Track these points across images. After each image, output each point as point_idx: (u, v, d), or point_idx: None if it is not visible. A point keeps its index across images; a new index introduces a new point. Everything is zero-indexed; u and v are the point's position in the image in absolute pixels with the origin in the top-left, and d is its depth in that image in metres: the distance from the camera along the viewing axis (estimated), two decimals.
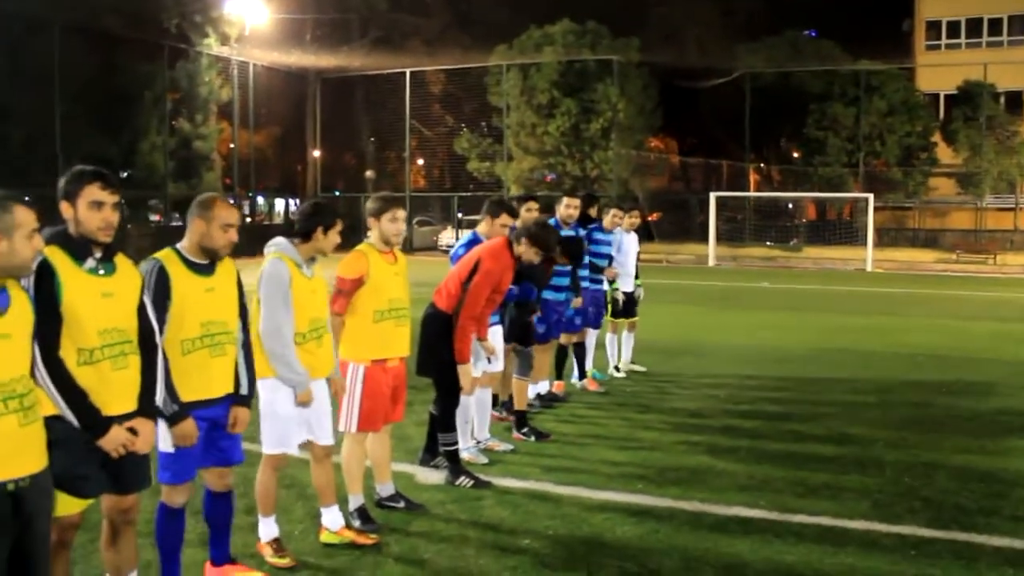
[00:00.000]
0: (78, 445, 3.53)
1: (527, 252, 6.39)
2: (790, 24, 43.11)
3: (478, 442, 6.93)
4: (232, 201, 4.49)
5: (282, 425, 4.81)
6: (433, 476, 6.30)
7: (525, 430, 7.45)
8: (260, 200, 42.53)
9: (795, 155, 42.21)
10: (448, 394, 6.18)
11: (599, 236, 9.41)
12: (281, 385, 4.75)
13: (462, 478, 6.13)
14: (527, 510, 5.66)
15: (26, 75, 27.70)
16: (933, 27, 45.31)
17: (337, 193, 43.55)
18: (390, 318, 5.35)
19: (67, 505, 3.56)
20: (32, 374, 3.23)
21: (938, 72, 41.28)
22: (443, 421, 6.22)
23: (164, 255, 4.17)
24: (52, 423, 3.37)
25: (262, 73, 38.68)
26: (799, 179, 40.17)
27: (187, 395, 4.07)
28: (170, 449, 4.11)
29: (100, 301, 3.60)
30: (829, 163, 39.30)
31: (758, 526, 5.42)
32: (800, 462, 6.79)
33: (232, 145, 38.90)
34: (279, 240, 4.89)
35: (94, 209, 3.62)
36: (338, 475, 5.27)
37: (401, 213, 5.44)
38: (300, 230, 4.88)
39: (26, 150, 27.84)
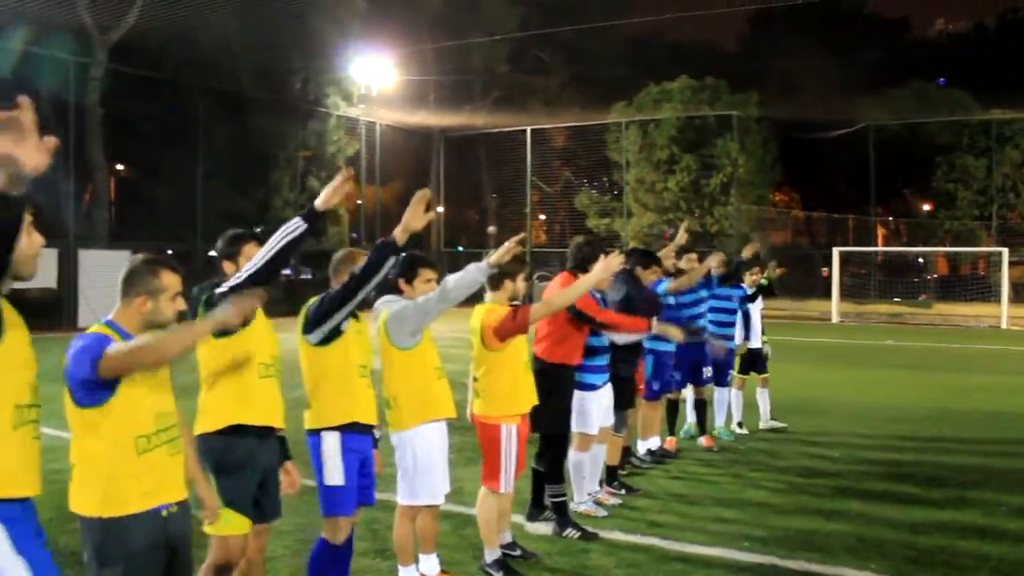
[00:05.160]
0: (246, 471, 3.99)
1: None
2: (915, 74, 42.06)
3: (589, 494, 7.07)
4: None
5: (440, 476, 5.01)
6: (541, 527, 6.45)
7: (615, 484, 7.57)
8: None
9: (923, 208, 40.91)
10: (558, 447, 6.36)
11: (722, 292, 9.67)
12: (435, 436, 4.96)
13: (569, 529, 6.27)
14: (632, 563, 5.76)
15: (173, 138, 29.60)
16: None
17: (460, 248, 44.43)
18: (525, 372, 5.61)
19: (238, 525, 3.97)
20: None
21: None
22: (551, 473, 6.39)
23: None
24: (227, 444, 3.91)
25: (388, 131, 40.09)
26: (927, 233, 38.87)
27: (349, 415, 4.46)
28: (339, 482, 4.40)
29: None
30: (959, 216, 37.97)
31: None
32: (914, 526, 6.66)
33: (359, 201, 40.34)
34: (388, 296, 5.16)
35: None
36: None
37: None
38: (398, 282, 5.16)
39: (171, 207, 29.59)
